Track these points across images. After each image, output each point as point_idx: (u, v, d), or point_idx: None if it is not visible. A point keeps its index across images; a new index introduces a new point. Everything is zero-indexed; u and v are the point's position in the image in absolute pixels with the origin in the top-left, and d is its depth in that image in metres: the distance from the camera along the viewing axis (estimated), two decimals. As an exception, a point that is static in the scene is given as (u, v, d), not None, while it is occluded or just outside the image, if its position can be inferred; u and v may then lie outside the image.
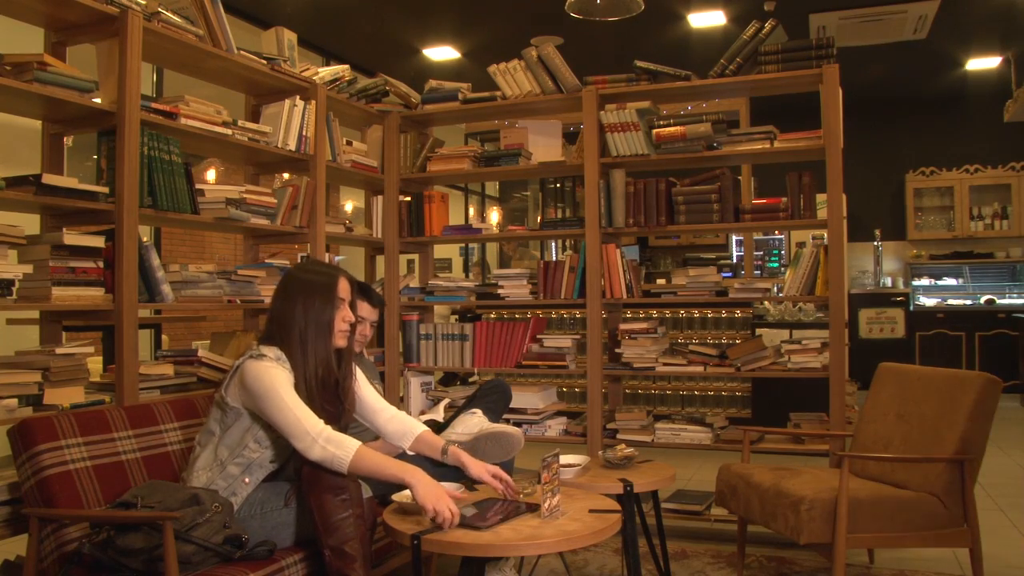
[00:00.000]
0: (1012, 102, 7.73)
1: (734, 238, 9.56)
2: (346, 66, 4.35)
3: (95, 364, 3.14)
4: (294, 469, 2.54)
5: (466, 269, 11.04)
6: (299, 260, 2.70)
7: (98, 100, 2.97)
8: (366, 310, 3.34)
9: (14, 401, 2.64)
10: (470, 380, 4.76)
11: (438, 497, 2.32)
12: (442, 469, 3.01)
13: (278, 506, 2.52)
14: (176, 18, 3.20)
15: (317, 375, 2.59)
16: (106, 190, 2.94)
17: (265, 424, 2.51)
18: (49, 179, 2.75)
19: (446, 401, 3.28)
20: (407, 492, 2.61)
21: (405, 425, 2.82)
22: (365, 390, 2.84)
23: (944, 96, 9.18)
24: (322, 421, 2.42)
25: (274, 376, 2.46)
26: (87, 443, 2.54)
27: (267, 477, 2.70)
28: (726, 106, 5.98)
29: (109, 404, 2.91)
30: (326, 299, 2.63)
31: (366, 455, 2.38)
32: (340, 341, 2.66)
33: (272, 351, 2.55)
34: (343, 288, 2.67)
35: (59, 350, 2.81)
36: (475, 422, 3.03)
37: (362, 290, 3.32)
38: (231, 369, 2.58)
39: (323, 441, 2.36)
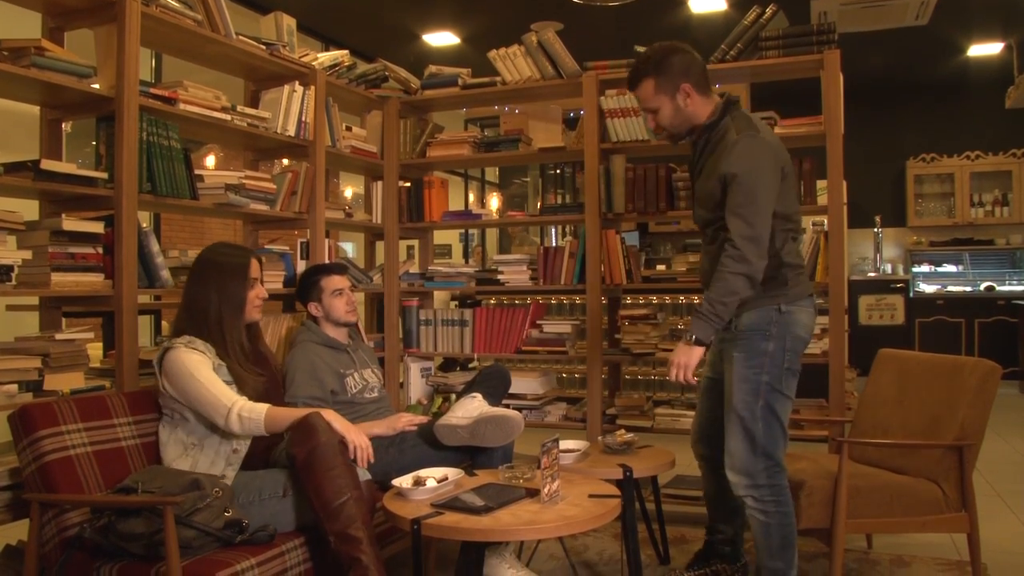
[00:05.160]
0: (1014, 88, 7.70)
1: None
2: (345, 51, 4.34)
3: (95, 350, 3.15)
4: (287, 457, 2.56)
5: (466, 255, 11.03)
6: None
7: (96, 85, 2.96)
8: (337, 281, 3.39)
9: (14, 387, 2.65)
10: (470, 366, 4.77)
11: (347, 428, 2.54)
12: (443, 454, 3.03)
13: (276, 494, 2.54)
14: (174, 3, 3.19)
15: (237, 349, 2.75)
16: (105, 176, 2.94)
17: None
18: (48, 165, 2.74)
19: (452, 398, 3.28)
20: (408, 476, 2.63)
21: None
22: None
23: (945, 82, 9.14)
24: (236, 395, 2.57)
25: (186, 361, 2.58)
26: (87, 428, 2.55)
27: (262, 462, 2.72)
28: (726, 91, 5.95)
29: (109, 390, 2.91)
30: (239, 279, 2.77)
31: (275, 412, 2.56)
32: (255, 315, 2.88)
33: (182, 339, 2.65)
34: (254, 268, 2.83)
35: (59, 336, 2.81)
36: (475, 406, 3.04)
37: (324, 270, 3.45)
38: (155, 364, 2.68)
39: (237, 411, 2.51)
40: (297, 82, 3.83)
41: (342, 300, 3.36)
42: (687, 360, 2.64)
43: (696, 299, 5.90)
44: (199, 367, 2.57)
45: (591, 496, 2.53)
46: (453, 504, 2.43)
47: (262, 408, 2.54)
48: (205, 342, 2.66)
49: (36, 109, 3.11)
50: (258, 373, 2.79)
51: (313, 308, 3.38)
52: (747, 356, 2.68)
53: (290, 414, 2.56)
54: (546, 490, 2.44)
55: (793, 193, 2.77)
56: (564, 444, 3.07)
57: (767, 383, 2.66)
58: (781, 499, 2.67)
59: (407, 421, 3.13)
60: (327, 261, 3.93)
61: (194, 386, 2.55)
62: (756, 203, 2.56)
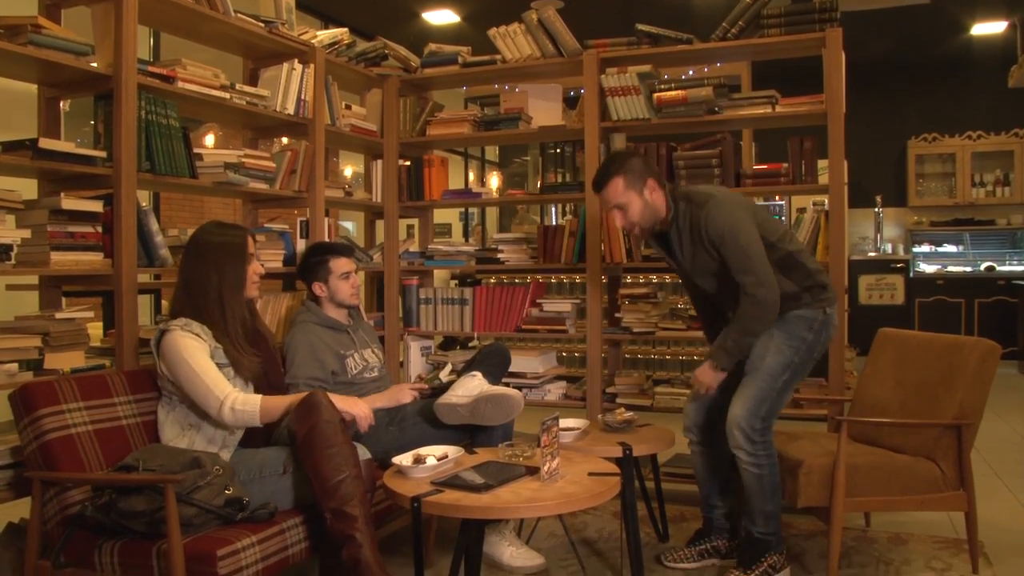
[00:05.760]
0: (1017, 67, 7.66)
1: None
2: (345, 29, 4.31)
3: (95, 329, 3.15)
4: (288, 434, 2.57)
5: (466, 234, 11.03)
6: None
7: (94, 64, 2.94)
8: (345, 264, 3.35)
9: (14, 366, 2.65)
10: (470, 344, 4.77)
11: (347, 403, 2.64)
12: (443, 432, 3.04)
13: (276, 472, 2.55)
14: (172, -21, 3.16)
15: (237, 327, 2.74)
16: (104, 154, 2.93)
17: None
18: (46, 143, 2.73)
19: (449, 367, 3.29)
20: (408, 455, 2.64)
21: None
22: None
23: (948, 61, 9.10)
24: (229, 386, 2.56)
25: (183, 347, 2.57)
26: (88, 407, 2.55)
27: (263, 440, 2.73)
28: (728, 70, 5.90)
29: (109, 369, 2.92)
30: (238, 258, 2.76)
31: (269, 402, 2.58)
32: (253, 291, 2.86)
33: (179, 321, 2.64)
34: (251, 244, 2.83)
35: (59, 315, 2.81)
36: (475, 384, 3.04)
37: (333, 250, 3.39)
38: (152, 347, 2.68)
39: (230, 404, 2.51)
40: (296, 60, 3.81)
41: (348, 283, 3.34)
42: (711, 382, 3.01)
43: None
44: (194, 354, 2.57)
45: (591, 474, 2.54)
46: (453, 482, 2.43)
47: (256, 400, 2.55)
48: (202, 324, 2.66)
49: (34, 87, 3.09)
50: (254, 354, 2.78)
51: (318, 288, 3.34)
52: (789, 336, 2.93)
53: (285, 401, 2.58)
54: (546, 468, 2.45)
55: (771, 218, 3.10)
56: (564, 422, 3.08)
57: (797, 363, 2.94)
58: (770, 452, 2.91)
59: (410, 392, 3.13)
60: (327, 239, 3.91)
61: (188, 374, 2.55)
62: (748, 254, 2.84)
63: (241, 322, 2.78)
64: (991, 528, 3.40)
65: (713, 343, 3.06)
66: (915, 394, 3.15)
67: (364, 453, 2.64)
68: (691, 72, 5.54)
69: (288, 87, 3.77)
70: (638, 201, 2.96)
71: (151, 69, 3.12)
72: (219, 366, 2.62)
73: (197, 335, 2.61)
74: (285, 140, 4.20)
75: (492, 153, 11.88)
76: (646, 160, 3.03)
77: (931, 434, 2.99)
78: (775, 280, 2.85)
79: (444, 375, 3.21)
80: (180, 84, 3.20)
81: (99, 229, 2.93)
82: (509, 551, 3.08)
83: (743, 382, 2.94)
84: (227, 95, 3.42)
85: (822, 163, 3.73)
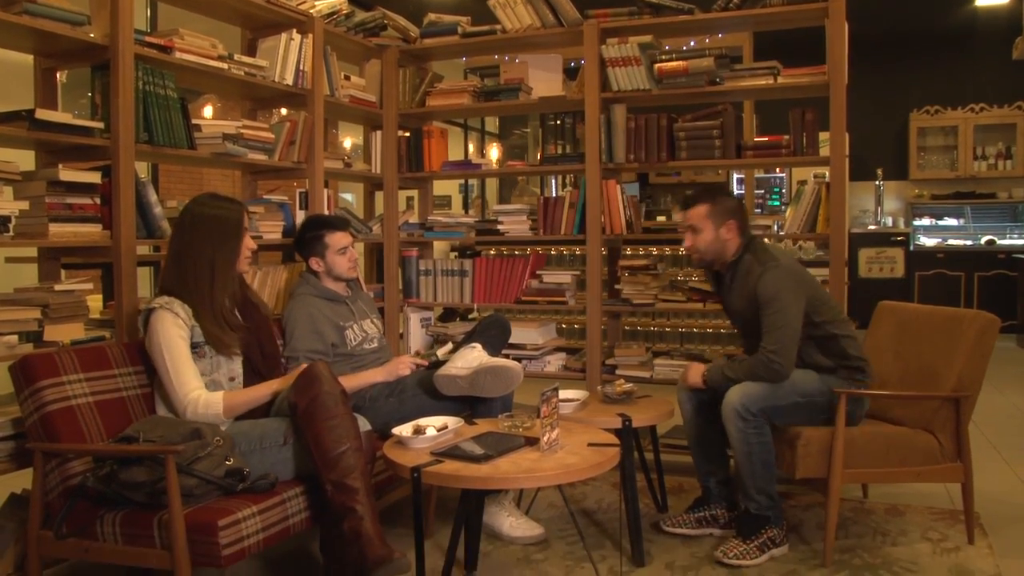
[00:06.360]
0: (1022, 39, 7.60)
1: (735, 176, 9.50)
2: (343, -1, 4.27)
3: (94, 301, 3.14)
4: (288, 405, 2.57)
5: (465, 205, 11.00)
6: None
7: (91, 34, 2.92)
8: (341, 238, 3.32)
9: (14, 338, 2.65)
10: (469, 316, 4.78)
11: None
12: (443, 403, 3.04)
13: (277, 443, 2.55)
14: (168, -52, 3.13)
15: (224, 303, 2.74)
16: (101, 125, 2.91)
17: (196, 355, 2.65)
18: (42, 114, 2.71)
19: (449, 345, 3.28)
20: (408, 425, 2.65)
21: None
22: None
23: (952, 33, 9.02)
24: (193, 388, 2.56)
25: (161, 335, 2.58)
26: (88, 379, 2.56)
27: (264, 411, 2.73)
28: (729, 41, 5.86)
29: (109, 340, 2.92)
30: (236, 232, 2.76)
31: (233, 397, 2.63)
32: (243, 267, 2.85)
33: (161, 299, 2.63)
34: (245, 219, 2.82)
35: (58, 287, 2.80)
36: (475, 356, 3.04)
37: (328, 224, 3.36)
38: (140, 325, 2.69)
39: (192, 409, 2.54)
40: (295, 30, 3.78)
41: (345, 257, 3.32)
42: (694, 384, 3.18)
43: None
44: (171, 343, 2.57)
45: (590, 445, 2.55)
46: (453, 452, 2.45)
47: (217, 401, 2.57)
48: (184, 303, 2.64)
49: (30, 58, 3.06)
50: (242, 326, 2.78)
51: (314, 263, 3.32)
52: (822, 381, 3.03)
53: (250, 394, 2.66)
54: (545, 439, 2.46)
55: (829, 301, 3.14)
56: (563, 394, 3.09)
57: (817, 401, 2.99)
58: (761, 431, 2.93)
59: (409, 366, 3.13)
60: (326, 212, 3.90)
61: (161, 368, 2.58)
62: (782, 327, 2.95)
63: (230, 295, 2.77)
64: (987, 500, 3.42)
65: (719, 362, 3.16)
66: (914, 366, 3.16)
67: (364, 424, 2.64)
68: (692, 43, 5.50)
69: (287, 57, 3.74)
70: (711, 232, 3.11)
71: (148, 39, 3.09)
72: (198, 345, 2.63)
73: (176, 314, 2.60)
74: (284, 111, 4.17)
75: (492, 124, 11.82)
76: (741, 207, 3.18)
77: (929, 406, 3.00)
78: (793, 356, 2.95)
79: (442, 352, 3.20)
80: (178, 54, 3.17)
81: (97, 201, 2.91)
82: (509, 521, 3.10)
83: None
84: (225, 65, 3.40)
85: (823, 135, 3.72)
